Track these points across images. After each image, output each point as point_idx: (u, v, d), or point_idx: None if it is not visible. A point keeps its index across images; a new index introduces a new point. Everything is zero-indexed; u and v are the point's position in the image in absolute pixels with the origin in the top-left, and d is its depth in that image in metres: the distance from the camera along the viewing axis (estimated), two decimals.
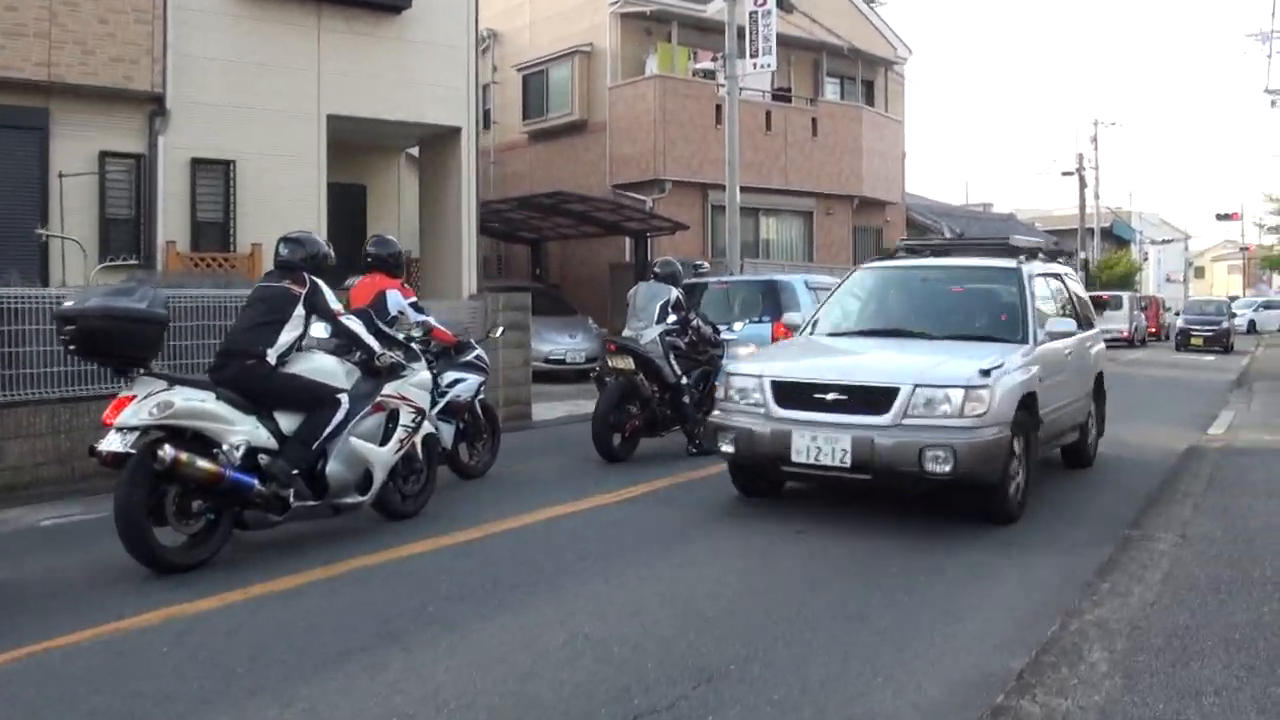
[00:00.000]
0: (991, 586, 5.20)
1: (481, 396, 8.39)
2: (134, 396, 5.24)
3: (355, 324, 6.26)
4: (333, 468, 5.94)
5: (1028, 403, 6.66)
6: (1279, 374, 18.80)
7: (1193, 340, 29.35)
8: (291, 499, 5.70)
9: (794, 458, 6.40)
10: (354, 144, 15.48)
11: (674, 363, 9.48)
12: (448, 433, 7.84)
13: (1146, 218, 55.74)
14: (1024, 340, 7.11)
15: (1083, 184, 40.82)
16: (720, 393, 7.12)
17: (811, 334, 8.00)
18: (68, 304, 5.31)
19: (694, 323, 9.92)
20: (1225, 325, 29.55)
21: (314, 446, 5.82)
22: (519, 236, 22.50)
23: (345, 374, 6.20)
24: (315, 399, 5.90)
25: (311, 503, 5.88)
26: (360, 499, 6.20)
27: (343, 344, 6.31)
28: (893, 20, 26.62)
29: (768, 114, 22.51)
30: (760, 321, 12.15)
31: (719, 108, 19.63)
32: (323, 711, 3.60)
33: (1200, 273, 78.37)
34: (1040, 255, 8.60)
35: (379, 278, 7.67)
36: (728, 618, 4.65)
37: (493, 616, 4.65)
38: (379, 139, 15.91)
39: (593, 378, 9.76)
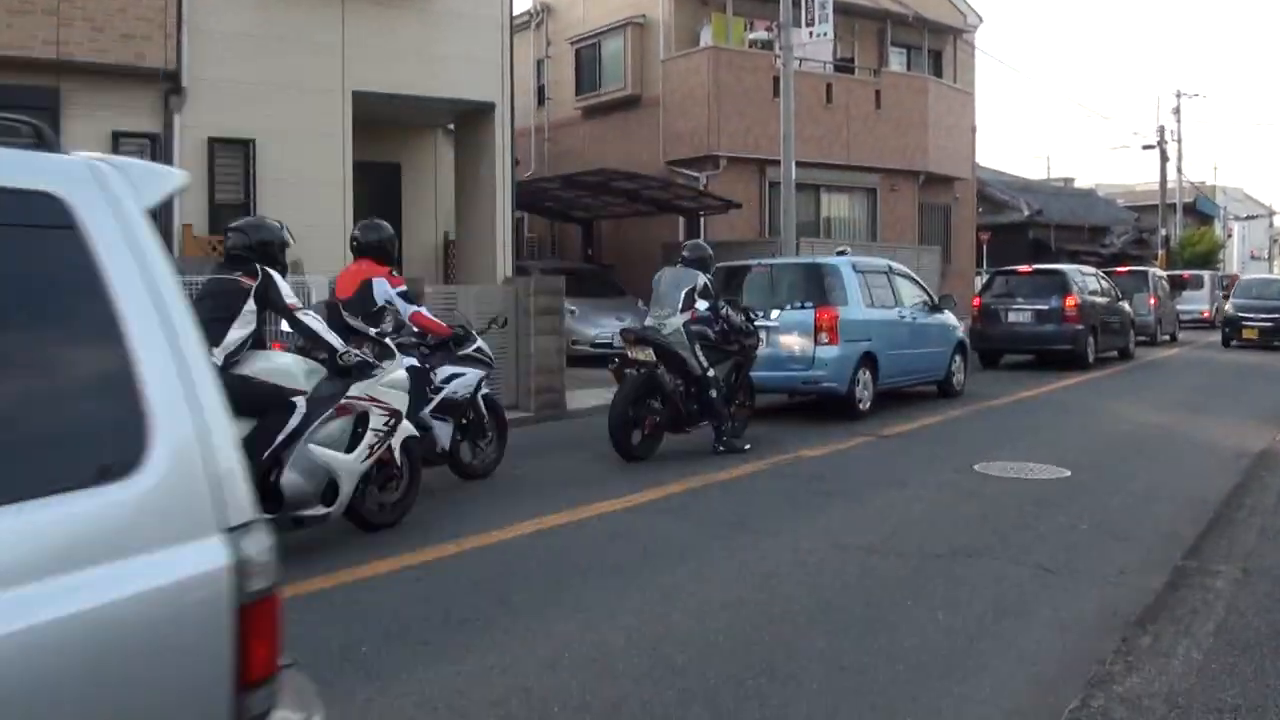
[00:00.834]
0: (1017, 630, 4.45)
1: (485, 392, 7.83)
2: None
3: (313, 319, 5.71)
4: (288, 478, 5.40)
5: None
6: None
7: (1245, 332, 21.27)
8: None
9: None
10: (386, 121, 14.95)
11: (700, 354, 8.81)
12: (445, 432, 7.31)
13: (1230, 193, 52.96)
14: None
15: (1164, 158, 38.75)
16: None
17: None
18: None
19: (724, 311, 9.22)
20: None
21: (264, 455, 5.28)
22: (571, 216, 21.92)
23: (305, 374, 5.65)
24: (267, 402, 5.37)
25: (266, 516, 5.33)
26: (325, 510, 5.64)
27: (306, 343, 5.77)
28: None
29: (828, 86, 21.50)
30: (803, 308, 11.33)
31: (776, 80, 18.73)
32: None
33: None
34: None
35: (365, 265, 7.10)
36: (699, 666, 4.02)
37: (426, 663, 4.06)
38: (412, 116, 15.35)
39: (610, 370, 9.11)
